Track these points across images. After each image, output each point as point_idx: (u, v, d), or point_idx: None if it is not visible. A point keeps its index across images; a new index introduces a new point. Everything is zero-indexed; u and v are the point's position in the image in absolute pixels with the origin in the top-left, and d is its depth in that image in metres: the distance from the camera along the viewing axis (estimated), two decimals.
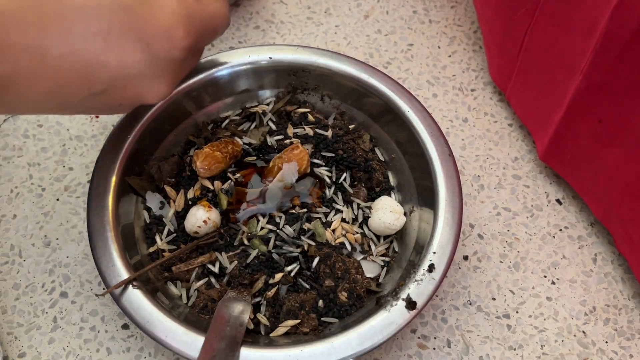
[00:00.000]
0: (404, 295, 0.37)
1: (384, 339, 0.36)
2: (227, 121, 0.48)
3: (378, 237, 0.44)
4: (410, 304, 0.37)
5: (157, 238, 0.43)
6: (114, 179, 0.41)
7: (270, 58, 0.47)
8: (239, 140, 0.46)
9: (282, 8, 0.61)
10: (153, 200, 0.44)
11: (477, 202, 0.50)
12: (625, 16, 0.35)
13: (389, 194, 0.46)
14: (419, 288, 0.37)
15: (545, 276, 0.46)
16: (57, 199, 0.49)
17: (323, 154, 0.45)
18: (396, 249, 0.44)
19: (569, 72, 0.42)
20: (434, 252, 0.39)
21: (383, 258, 0.43)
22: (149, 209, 0.44)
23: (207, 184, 0.44)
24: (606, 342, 0.44)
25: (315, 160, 0.45)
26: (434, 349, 0.43)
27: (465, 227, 0.48)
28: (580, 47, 0.40)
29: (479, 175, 0.51)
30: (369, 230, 0.44)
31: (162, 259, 0.41)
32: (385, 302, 0.37)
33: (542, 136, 0.49)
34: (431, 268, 0.38)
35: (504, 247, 0.47)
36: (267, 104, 0.48)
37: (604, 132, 0.42)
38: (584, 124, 0.43)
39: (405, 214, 0.43)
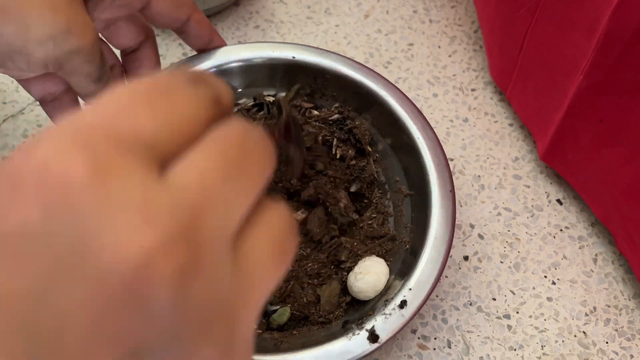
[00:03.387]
0: (368, 326, 0.36)
1: None
2: (237, 108, 0.47)
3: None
4: (373, 337, 0.36)
5: None
6: None
7: (294, 57, 0.46)
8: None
9: (281, 7, 0.61)
10: None
11: (477, 202, 0.50)
12: (626, 16, 0.35)
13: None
14: (385, 322, 0.36)
15: (545, 276, 0.46)
16: None
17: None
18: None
19: (570, 72, 0.42)
20: (410, 289, 0.37)
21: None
22: None
23: None
24: (607, 343, 0.44)
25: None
26: (434, 349, 0.43)
27: (465, 227, 0.48)
28: (581, 46, 0.40)
29: (479, 175, 0.51)
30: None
31: None
32: (349, 329, 0.37)
33: (542, 136, 0.48)
34: (403, 304, 0.37)
35: (505, 248, 0.47)
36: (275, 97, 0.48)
37: (605, 132, 0.42)
38: (585, 124, 0.43)
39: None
